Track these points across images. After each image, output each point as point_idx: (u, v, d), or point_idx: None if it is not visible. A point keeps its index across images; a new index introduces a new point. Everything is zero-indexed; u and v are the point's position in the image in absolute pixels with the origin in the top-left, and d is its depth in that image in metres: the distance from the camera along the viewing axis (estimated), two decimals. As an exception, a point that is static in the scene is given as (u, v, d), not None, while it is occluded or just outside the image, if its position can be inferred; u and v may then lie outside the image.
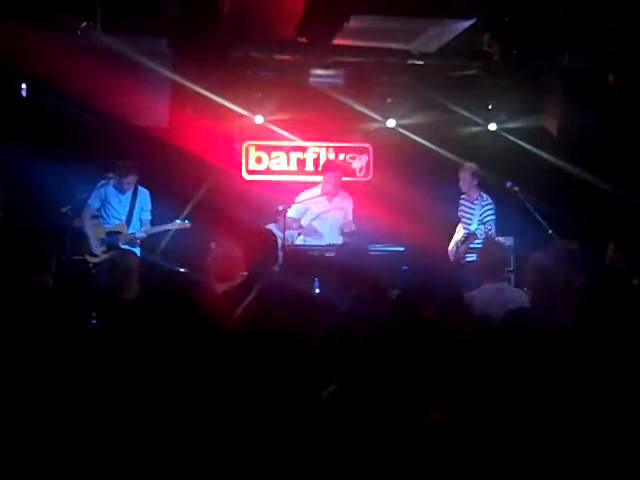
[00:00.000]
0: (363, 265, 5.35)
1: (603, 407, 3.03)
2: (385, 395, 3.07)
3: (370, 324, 3.50)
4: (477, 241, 8.18)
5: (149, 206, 8.48)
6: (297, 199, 8.66)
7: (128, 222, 8.37)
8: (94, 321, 4.32)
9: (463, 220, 8.68)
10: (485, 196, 8.62)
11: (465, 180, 8.60)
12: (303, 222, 8.62)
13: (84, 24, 7.52)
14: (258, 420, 2.90)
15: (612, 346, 3.37)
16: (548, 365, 3.13)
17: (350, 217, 8.67)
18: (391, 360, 3.23)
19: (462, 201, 8.75)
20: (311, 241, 8.52)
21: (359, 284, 4.71)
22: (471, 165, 8.66)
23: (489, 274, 5.79)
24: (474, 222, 8.50)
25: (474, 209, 8.56)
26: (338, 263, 5.62)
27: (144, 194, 8.44)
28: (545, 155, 9.59)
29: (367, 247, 6.88)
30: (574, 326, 3.70)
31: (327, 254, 7.01)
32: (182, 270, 6.82)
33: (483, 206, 8.53)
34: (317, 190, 8.69)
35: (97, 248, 8.21)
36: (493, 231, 8.41)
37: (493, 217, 8.48)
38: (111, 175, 8.25)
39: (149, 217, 8.48)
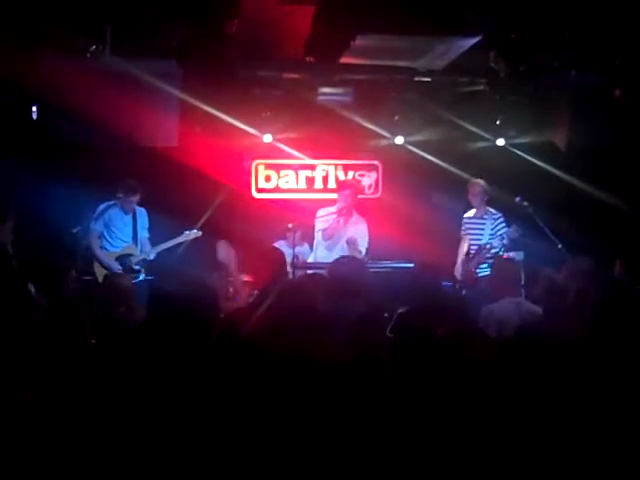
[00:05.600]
0: (359, 278, 5.35)
1: (615, 417, 3.03)
2: (399, 412, 3.07)
3: (384, 339, 3.51)
4: (494, 250, 8.29)
5: (147, 225, 8.52)
6: (317, 214, 8.66)
7: (135, 243, 8.41)
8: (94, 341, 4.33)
9: (470, 236, 8.73)
10: (493, 210, 8.72)
11: (476, 195, 8.69)
12: (317, 239, 8.63)
13: (93, 47, 7.58)
14: (273, 435, 2.90)
15: (623, 358, 3.37)
16: (561, 378, 3.14)
17: (365, 240, 8.59)
18: (406, 376, 3.23)
19: (467, 219, 8.84)
20: (322, 258, 8.49)
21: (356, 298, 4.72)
22: (481, 181, 8.72)
23: (504, 290, 5.85)
24: (485, 236, 8.57)
25: (484, 223, 8.65)
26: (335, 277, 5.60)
27: (143, 213, 8.48)
28: (554, 170, 9.60)
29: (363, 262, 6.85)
30: (586, 340, 3.70)
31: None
32: (190, 289, 6.83)
33: (495, 219, 8.65)
34: (333, 209, 8.67)
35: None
36: (507, 242, 8.44)
37: (506, 229, 8.54)
38: (120, 195, 8.27)
39: (147, 235, 8.53)
